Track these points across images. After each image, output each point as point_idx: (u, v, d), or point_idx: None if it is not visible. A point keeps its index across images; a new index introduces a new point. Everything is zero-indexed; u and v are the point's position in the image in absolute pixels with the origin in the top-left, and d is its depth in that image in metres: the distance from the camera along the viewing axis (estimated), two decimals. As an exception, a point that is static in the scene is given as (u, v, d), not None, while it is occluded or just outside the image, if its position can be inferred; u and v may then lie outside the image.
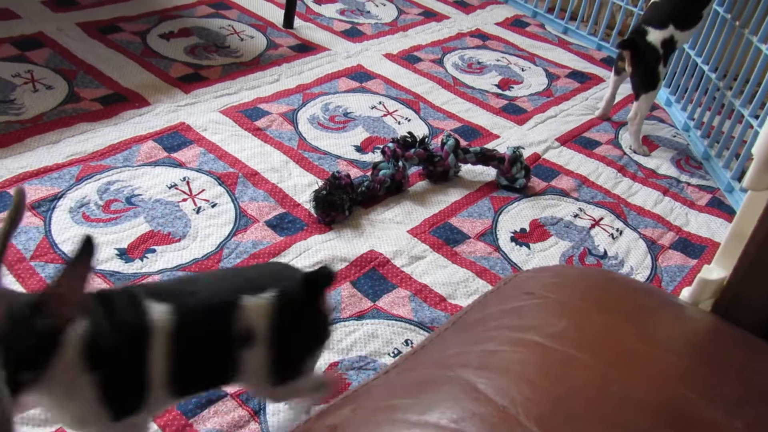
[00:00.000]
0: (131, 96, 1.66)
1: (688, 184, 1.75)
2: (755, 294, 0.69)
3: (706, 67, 1.93)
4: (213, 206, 1.37)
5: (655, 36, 1.77)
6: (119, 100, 1.64)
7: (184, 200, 1.37)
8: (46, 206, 1.28)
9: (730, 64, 1.86)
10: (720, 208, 1.68)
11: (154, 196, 1.36)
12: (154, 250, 1.23)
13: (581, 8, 2.49)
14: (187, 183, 1.41)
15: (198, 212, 1.35)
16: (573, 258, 1.42)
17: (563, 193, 1.62)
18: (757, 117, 1.69)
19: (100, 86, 1.68)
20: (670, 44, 1.77)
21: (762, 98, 1.68)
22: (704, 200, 1.70)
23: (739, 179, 1.72)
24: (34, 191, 1.31)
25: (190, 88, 1.74)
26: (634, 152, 1.83)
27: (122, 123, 1.56)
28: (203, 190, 1.40)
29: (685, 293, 0.73)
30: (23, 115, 1.53)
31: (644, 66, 1.79)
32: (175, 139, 1.54)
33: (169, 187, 1.39)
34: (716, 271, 0.71)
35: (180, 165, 1.46)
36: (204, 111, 1.66)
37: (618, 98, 1.99)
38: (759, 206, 0.65)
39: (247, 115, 1.67)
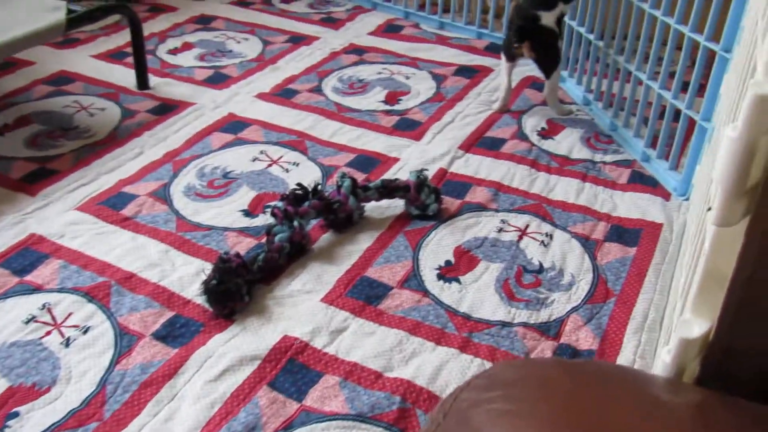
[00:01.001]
0: (-35, 216, 1.40)
1: (604, 163, 1.64)
2: (749, 342, 0.54)
3: (591, 36, 1.83)
4: (85, 332, 1.14)
5: (548, 18, 1.71)
6: (-50, 226, 1.38)
7: (48, 333, 1.13)
8: None
9: (615, 27, 1.77)
10: (642, 181, 1.57)
11: (8, 339, 1.12)
12: (17, 414, 1.00)
13: (452, 0, 2.36)
14: (49, 310, 1.17)
15: (67, 345, 1.11)
16: (509, 280, 1.27)
17: (481, 207, 1.47)
18: (655, 78, 1.60)
19: (-75, 213, 1.41)
20: (561, 20, 1.76)
21: (655, 60, 1.59)
22: (624, 177, 1.59)
23: (652, 146, 1.63)
24: None
25: (37, 189, 1.49)
26: (560, 116, 1.84)
27: (-44, 254, 1.31)
28: (70, 314, 1.17)
29: (666, 357, 0.58)
30: None
31: (546, 49, 1.75)
32: (25, 257, 1.29)
33: (26, 322, 1.15)
34: (697, 323, 0.56)
35: (37, 289, 1.22)
36: (57, 213, 1.42)
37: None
38: (731, 241, 0.51)
39: (110, 205, 1.44)
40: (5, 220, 1.39)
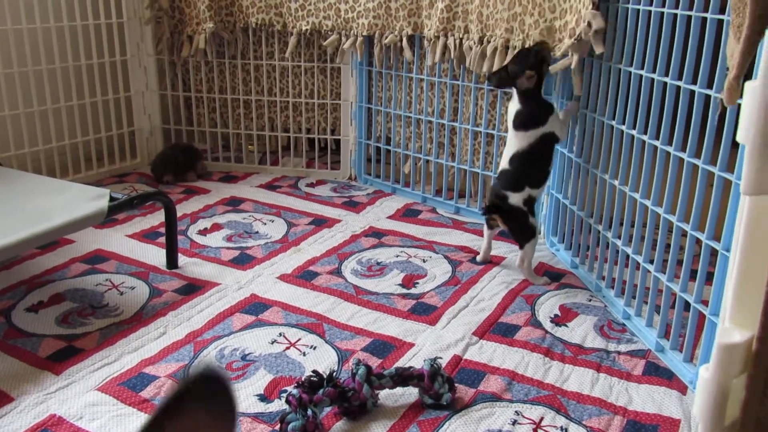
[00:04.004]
0: (-10, 395, 1.44)
1: (618, 353, 1.66)
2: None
3: (599, 227, 1.93)
4: None
5: (515, 198, 1.97)
6: (-26, 405, 1.41)
7: None
8: None
9: (622, 217, 1.86)
10: (658, 373, 1.57)
11: None
12: None
13: (467, 186, 2.51)
14: (58, 499, 1.17)
15: None
16: (523, 479, 1.25)
17: (494, 398, 1.47)
18: (651, 262, 1.65)
19: (-49, 391, 1.45)
20: (529, 201, 1.98)
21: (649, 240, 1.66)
22: (639, 368, 1.59)
23: (666, 336, 1.65)
24: None
25: (62, 368, 1.54)
26: (537, 284, 1.98)
27: (-24, 435, 1.33)
28: (78, 503, 1.16)
29: (704, 374, 0.54)
30: None
31: (516, 223, 2.00)
32: (42, 442, 1.31)
33: None
34: (736, 331, 0.53)
35: (49, 475, 1.23)
36: (79, 393, 1.45)
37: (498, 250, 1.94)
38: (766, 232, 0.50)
39: (130, 387, 1.47)
40: (28, 400, 1.43)
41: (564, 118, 2.01)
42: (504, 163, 2.01)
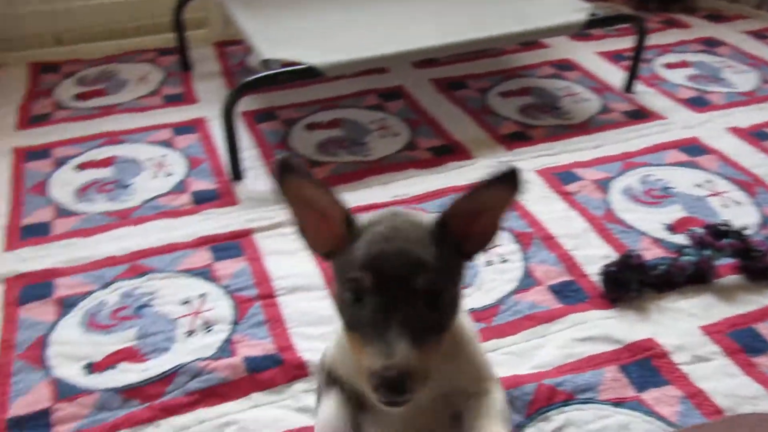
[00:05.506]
0: (458, 148, 1.85)
1: None
2: None
3: None
4: (503, 262, 1.46)
5: None
6: (447, 152, 1.84)
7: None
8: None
9: None
10: None
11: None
12: (440, 293, 1.37)
13: None
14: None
15: (488, 265, 1.45)
16: None
17: None
18: None
19: (435, 137, 1.91)
20: None
21: None
22: None
23: None
24: (361, 223, 1.57)
25: (513, 146, 1.87)
26: None
27: (444, 173, 1.76)
28: (498, 245, 1.50)
29: None
30: (369, 157, 1.82)
31: None
32: (486, 193, 1.67)
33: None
34: None
35: (484, 218, 1.58)
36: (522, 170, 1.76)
37: None
38: None
39: (560, 178, 1.73)
40: (483, 161, 1.80)
41: None
42: None
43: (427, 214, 0.74)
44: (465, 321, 0.85)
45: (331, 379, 0.83)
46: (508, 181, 0.70)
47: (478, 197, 0.71)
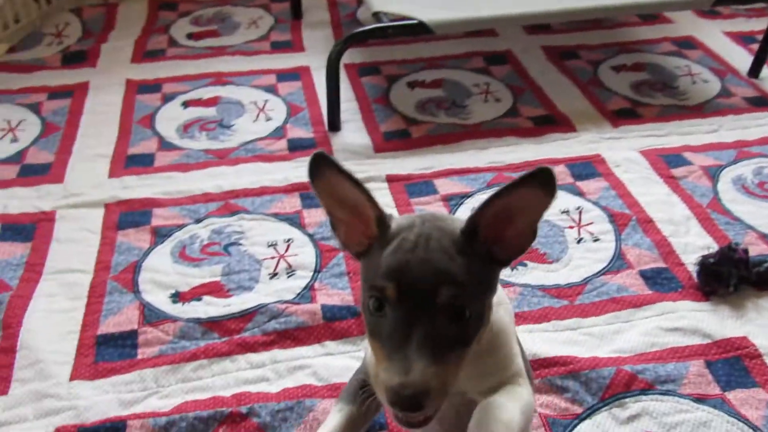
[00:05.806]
0: (561, 120, 1.79)
1: None
2: None
3: None
4: (595, 241, 1.41)
5: None
6: (549, 122, 1.78)
7: (570, 227, 1.44)
8: (455, 201, 1.51)
9: None
10: None
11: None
12: (524, 264, 1.35)
13: None
14: (579, 212, 1.48)
15: (579, 242, 1.40)
16: None
17: None
18: None
19: (539, 106, 1.85)
20: None
21: None
22: None
23: None
24: (451, 186, 1.55)
25: (620, 123, 1.78)
26: None
27: (544, 144, 1.70)
28: (591, 222, 1.45)
29: None
30: (468, 120, 1.79)
31: None
32: (585, 168, 1.61)
33: (561, 212, 1.48)
34: None
35: (579, 194, 1.53)
36: (624, 148, 1.68)
37: None
38: None
39: (667, 161, 1.64)
40: (586, 136, 1.73)
41: None
42: None
43: (461, 218, 0.70)
44: (504, 316, 0.79)
45: (358, 387, 0.79)
46: (540, 182, 0.63)
47: (508, 199, 0.66)
